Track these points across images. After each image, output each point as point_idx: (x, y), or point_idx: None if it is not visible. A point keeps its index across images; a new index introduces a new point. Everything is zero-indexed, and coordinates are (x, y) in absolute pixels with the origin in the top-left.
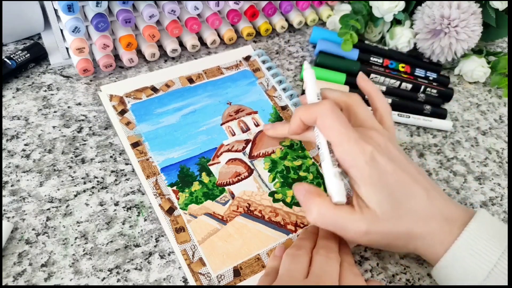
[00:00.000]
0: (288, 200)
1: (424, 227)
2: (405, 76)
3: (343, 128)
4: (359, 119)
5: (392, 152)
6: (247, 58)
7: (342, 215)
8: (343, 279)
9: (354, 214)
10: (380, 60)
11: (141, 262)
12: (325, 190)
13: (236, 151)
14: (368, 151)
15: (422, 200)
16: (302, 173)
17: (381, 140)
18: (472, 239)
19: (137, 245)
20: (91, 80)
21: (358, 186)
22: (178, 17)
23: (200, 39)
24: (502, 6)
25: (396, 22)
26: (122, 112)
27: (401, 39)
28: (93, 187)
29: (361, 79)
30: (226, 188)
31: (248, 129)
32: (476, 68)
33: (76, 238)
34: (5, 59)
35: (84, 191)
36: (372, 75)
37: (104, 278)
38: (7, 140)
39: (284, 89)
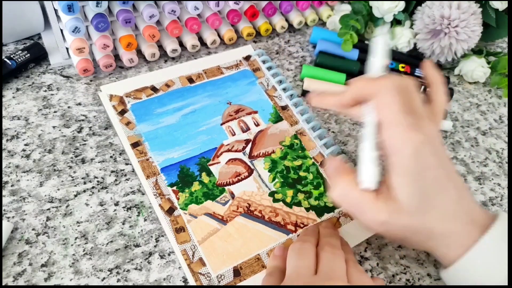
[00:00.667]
0: (288, 200)
1: (447, 227)
2: (405, 76)
3: (401, 110)
4: (413, 105)
5: (437, 146)
6: (247, 58)
7: (365, 200)
8: (350, 276)
9: (377, 202)
10: None
11: (141, 262)
12: (325, 190)
13: (236, 151)
14: (417, 141)
15: (452, 199)
16: (302, 173)
17: (432, 131)
18: (491, 245)
19: (137, 245)
20: (91, 80)
21: (393, 175)
22: (178, 17)
23: (200, 39)
24: (502, 6)
25: (396, 22)
26: (122, 112)
27: (401, 39)
28: (93, 187)
29: (429, 66)
30: (226, 188)
31: (248, 129)
32: (476, 68)
33: (76, 238)
34: (5, 59)
35: (84, 191)
36: None
37: (104, 278)
38: (7, 140)
39: (284, 89)
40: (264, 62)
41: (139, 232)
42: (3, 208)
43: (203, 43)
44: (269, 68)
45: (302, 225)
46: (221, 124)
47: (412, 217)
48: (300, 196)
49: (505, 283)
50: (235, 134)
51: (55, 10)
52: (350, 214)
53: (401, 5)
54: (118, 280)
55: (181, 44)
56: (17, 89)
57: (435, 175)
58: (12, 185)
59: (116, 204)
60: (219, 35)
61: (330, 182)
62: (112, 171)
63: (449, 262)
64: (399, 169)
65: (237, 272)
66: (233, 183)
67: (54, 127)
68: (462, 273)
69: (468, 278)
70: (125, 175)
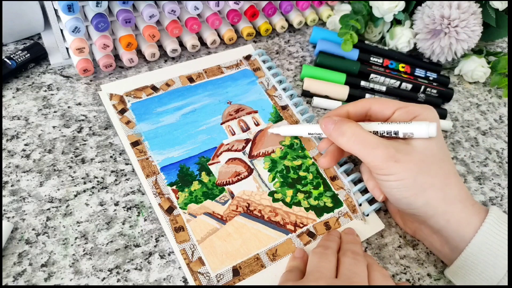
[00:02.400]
0: (288, 200)
1: (447, 205)
2: (405, 76)
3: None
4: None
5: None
6: (247, 58)
7: (374, 137)
8: (373, 280)
9: (389, 140)
10: (380, 60)
11: (141, 262)
12: (324, 190)
13: (236, 150)
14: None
15: (459, 181)
16: (302, 173)
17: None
18: (497, 222)
19: (137, 245)
20: (91, 80)
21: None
22: (178, 17)
23: (200, 39)
24: (502, 6)
25: (396, 22)
26: (122, 111)
27: (401, 39)
28: (93, 187)
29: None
30: (225, 187)
31: (248, 128)
32: (476, 68)
33: (76, 238)
34: (5, 59)
35: (84, 191)
36: (372, 75)
37: (104, 278)
38: (7, 140)
39: (284, 89)
40: (264, 62)
41: (139, 232)
42: (3, 208)
43: (203, 43)
44: (269, 68)
45: (301, 225)
46: (221, 124)
47: (421, 164)
48: (300, 196)
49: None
50: (235, 134)
51: (55, 10)
52: (359, 154)
53: (401, 5)
54: (118, 280)
55: (181, 44)
56: (17, 89)
57: (447, 157)
58: (12, 185)
59: (116, 204)
60: (219, 35)
61: (334, 133)
62: (112, 171)
63: (462, 244)
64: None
65: (236, 271)
66: (233, 182)
67: (54, 127)
68: (476, 256)
69: (482, 259)
70: (125, 175)
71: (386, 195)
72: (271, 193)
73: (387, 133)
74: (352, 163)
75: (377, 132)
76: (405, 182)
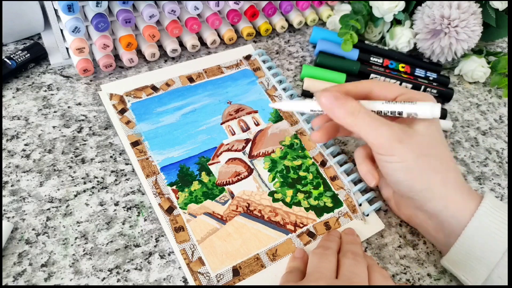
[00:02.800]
0: (288, 200)
1: (446, 188)
2: (405, 76)
3: None
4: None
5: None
6: (247, 57)
7: (379, 117)
8: (373, 281)
9: (391, 120)
10: (380, 60)
11: (141, 262)
12: (324, 190)
13: (236, 150)
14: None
15: (456, 166)
16: (302, 173)
17: None
18: (493, 207)
19: (137, 245)
20: (91, 80)
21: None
22: (178, 17)
23: (200, 39)
24: (502, 6)
25: (396, 22)
26: (122, 111)
27: (401, 39)
28: (93, 187)
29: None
30: (225, 187)
31: (248, 128)
32: (476, 68)
33: (76, 238)
34: (5, 59)
35: (84, 191)
36: (372, 75)
37: (104, 278)
38: (7, 140)
39: (284, 89)
40: (264, 62)
41: (139, 232)
42: (3, 208)
43: (203, 43)
44: (269, 68)
45: (301, 225)
46: (221, 124)
47: (422, 146)
48: (300, 196)
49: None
50: (235, 134)
51: (55, 10)
52: (364, 133)
53: (401, 5)
54: (118, 280)
55: (181, 44)
56: (17, 89)
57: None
58: (12, 185)
59: (116, 204)
60: (219, 35)
61: (334, 108)
62: (112, 171)
63: (458, 229)
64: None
65: (236, 271)
66: (233, 182)
67: (54, 127)
68: (473, 240)
69: (478, 244)
70: (125, 175)
71: (387, 178)
72: (271, 193)
73: (391, 113)
74: (352, 163)
75: (381, 111)
76: (407, 164)
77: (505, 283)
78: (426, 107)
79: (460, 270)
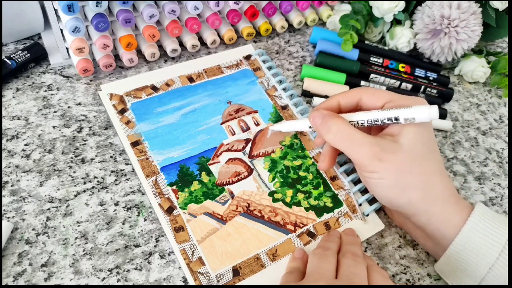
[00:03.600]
0: (288, 200)
1: (427, 205)
2: (405, 76)
3: None
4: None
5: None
6: (247, 57)
7: (361, 134)
8: (373, 281)
9: (374, 136)
10: (380, 60)
11: (141, 262)
12: (324, 190)
13: (236, 150)
14: (430, 128)
15: (443, 179)
16: (302, 173)
17: None
18: (481, 220)
19: (137, 245)
20: (91, 80)
21: (404, 126)
22: (178, 17)
23: (200, 39)
24: (502, 6)
25: (396, 22)
26: (122, 111)
27: (401, 39)
28: (93, 187)
29: None
30: (225, 187)
31: (248, 128)
32: (476, 68)
33: (76, 238)
34: (5, 59)
35: (84, 191)
36: (372, 75)
37: (104, 278)
38: (7, 140)
39: (284, 89)
40: (264, 61)
41: (139, 232)
42: (3, 208)
43: (203, 43)
44: (269, 68)
45: (301, 225)
46: (221, 124)
47: (401, 163)
48: (300, 196)
49: (501, 252)
50: (235, 134)
51: (55, 10)
52: (344, 150)
53: (401, 5)
54: (118, 280)
55: (181, 44)
56: (17, 89)
57: (435, 148)
58: (12, 185)
59: (116, 204)
60: (219, 35)
61: (321, 129)
62: (112, 171)
63: (445, 242)
64: (409, 125)
65: (236, 271)
66: (233, 182)
67: (54, 127)
68: (461, 253)
69: (466, 256)
70: (125, 175)
71: (372, 193)
72: (271, 193)
73: (388, 120)
74: (352, 163)
75: (378, 119)
76: (386, 182)
77: None
78: (424, 110)
79: (450, 279)
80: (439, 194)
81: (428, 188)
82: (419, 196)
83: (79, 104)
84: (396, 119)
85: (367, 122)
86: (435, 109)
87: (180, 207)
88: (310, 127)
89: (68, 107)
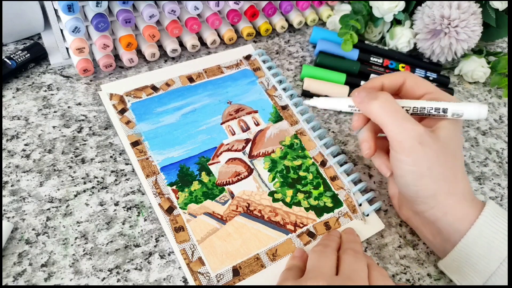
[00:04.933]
0: (288, 200)
1: (450, 198)
2: None
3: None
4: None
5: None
6: (247, 57)
7: (406, 112)
8: (372, 279)
9: (417, 122)
10: (380, 60)
11: (141, 262)
12: (324, 190)
13: (236, 150)
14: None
15: (465, 175)
16: (302, 173)
17: None
18: (494, 216)
19: (137, 245)
20: (91, 80)
21: (441, 120)
22: (178, 17)
23: (200, 39)
24: (502, 6)
25: (396, 22)
26: (122, 111)
27: (401, 39)
28: (93, 187)
29: None
30: (225, 187)
31: (248, 128)
32: (476, 68)
33: (76, 238)
34: (5, 59)
35: (84, 191)
36: (372, 75)
37: (104, 278)
38: (7, 140)
39: (284, 89)
40: (264, 61)
41: (139, 232)
42: (3, 208)
43: (203, 43)
44: (269, 68)
45: (301, 225)
46: (221, 124)
47: (441, 152)
48: (300, 196)
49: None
50: (235, 134)
51: (55, 10)
52: (387, 123)
53: (401, 5)
54: (118, 280)
55: (181, 44)
56: (17, 89)
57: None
58: (12, 185)
59: (116, 204)
60: (219, 35)
61: (365, 100)
62: (112, 171)
63: (456, 237)
64: (445, 121)
65: (236, 271)
66: (233, 182)
67: (54, 127)
68: (471, 248)
69: (477, 251)
70: (125, 175)
71: (396, 177)
72: (271, 193)
73: (435, 110)
74: (352, 163)
75: (424, 108)
76: (420, 170)
77: None
78: (474, 107)
79: (455, 275)
80: (461, 190)
81: (454, 182)
82: (445, 189)
83: (79, 104)
84: (444, 111)
85: (413, 109)
86: (485, 109)
87: (180, 207)
88: (350, 107)
89: (68, 107)
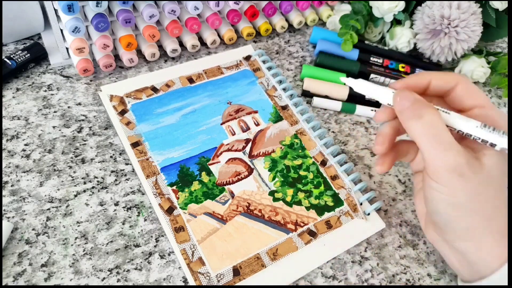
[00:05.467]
0: (288, 199)
1: (486, 234)
2: (405, 76)
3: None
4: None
5: None
6: (247, 58)
7: (450, 137)
8: None
9: (460, 146)
10: (380, 60)
11: (141, 262)
12: (325, 189)
13: (236, 150)
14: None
15: (505, 212)
16: (302, 172)
17: None
18: None
19: (137, 245)
20: (91, 80)
21: (488, 149)
22: (178, 17)
23: (200, 39)
24: (502, 6)
25: (396, 22)
26: (122, 112)
27: (401, 39)
28: (93, 187)
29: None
30: (226, 187)
31: (248, 128)
32: (476, 68)
33: (76, 238)
34: (5, 59)
35: (84, 191)
36: (372, 75)
37: (104, 278)
38: (7, 140)
39: (284, 89)
40: (264, 62)
41: (139, 232)
42: (3, 208)
43: (203, 43)
44: (269, 68)
45: (302, 224)
46: (221, 124)
47: (480, 186)
48: (300, 195)
49: None
50: (235, 134)
51: (55, 10)
52: (425, 149)
53: (401, 5)
54: (118, 280)
55: (181, 44)
56: (17, 89)
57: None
58: (12, 185)
59: (116, 204)
60: (219, 35)
61: (410, 112)
62: (112, 171)
63: (484, 272)
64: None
65: (236, 271)
66: (233, 182)
67: (54, 127)
68: (497, 282)
69: None
70: (125, 175)
71: (426, 201)
72: (272, 193)
73: (482, 141)
74: (352, 163)
75: (471, 135)
76: (457, 201)
77: None
78: None
79: None
80: (500, 227)
81: (494, 218)
82: (483, 225)
83: (79, 104)
84: (492, 145)
85: (458, 131)
86: None
87: (180, 207)
88: (389, 104)
89: (68, 107)
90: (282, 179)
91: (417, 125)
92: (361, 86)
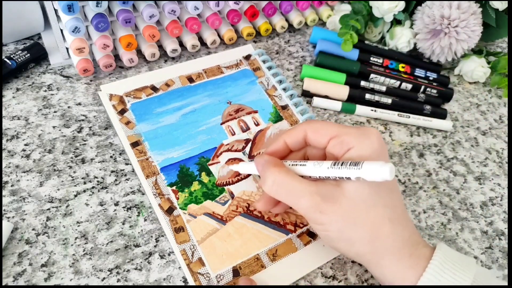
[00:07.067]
0: None
1: (378, 258)
2: (405, 76)
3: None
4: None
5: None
6: (247, 57)
7: (300, 184)
8: None
9: (314, 185)
10: (380, 60)
11: (141, 262)
12: None
13: (236, 150)
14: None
15: (394, 230)
16: None
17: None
18: (436, 277)
19: (137, 245)
20: (91, 80)
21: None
22: (178, 17)
23: (200, 39)
24: (502, 6)
25: (396, 22)
26: (122, 112)
27: (401, 39)
28: (93, 187)
29: None
30: (225, 188)
31: (248, 128)
32: (476, 68)
33: (76, 238)
34: (5, 59)
35: (84, 191)
36: (372, 75)
37: (104, 278)
38: (7, 140)
39: (284, 89)
40: (264, 61)
41: (139, 232)
42: (3, 208)
43: (203, 43)
44: (269, 68)
45: (301, 225)
46: (221, 124)
47: (345, 214)
48: None
49: None
50: (235, 134)
51: (55, 10)
52: (285, 202)
53: (401, 5)
54: (118, 280)
55: (181, 44)
56: (17, 89)
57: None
58: (12, 185)
59: (116, 204)
60: (219, 35)
61: (261, 177)
62: (112, 171)
63: None
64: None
65: (236, 272)
66: (233, 183)
67: (54, 127)
68: None
69: None
70: (125, 175)
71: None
72: None
73: (339, 178)
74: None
75: (329, 177)
76: (332, 234)
77: None
78: (374, 169)
79: None
80: (389, 246)
81: (376, 240)
82: (367, 249)
83: (79, 104)
84: (348, 178)
85: (313, 177)
86: (386, 168)
87: (180, 208)
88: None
89: (68, 107)
90: None
91: (266, 189)
92: (241, 167)
